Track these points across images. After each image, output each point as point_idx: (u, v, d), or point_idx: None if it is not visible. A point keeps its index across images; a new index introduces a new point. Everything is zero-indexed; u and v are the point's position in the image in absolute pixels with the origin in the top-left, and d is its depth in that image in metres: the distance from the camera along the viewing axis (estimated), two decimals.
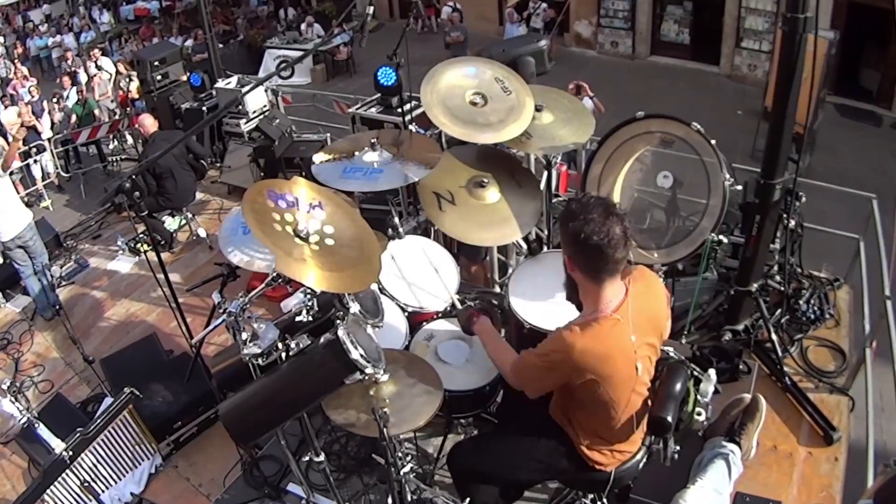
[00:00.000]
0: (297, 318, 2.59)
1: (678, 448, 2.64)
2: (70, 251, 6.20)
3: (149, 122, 6.14)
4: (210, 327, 2.75)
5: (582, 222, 2.14)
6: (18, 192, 10.47)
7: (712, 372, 2.73)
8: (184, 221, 6.10)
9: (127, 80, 12.23)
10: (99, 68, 12.96)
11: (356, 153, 3.46)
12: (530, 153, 4.07)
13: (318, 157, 3.46)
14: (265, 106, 7.17)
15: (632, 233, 2.20)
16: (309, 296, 2.59)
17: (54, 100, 11.46)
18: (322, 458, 2.87)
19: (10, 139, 10.26)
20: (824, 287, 4.38)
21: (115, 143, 11.04)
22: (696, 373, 2.79)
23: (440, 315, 3.49)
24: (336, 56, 15.29)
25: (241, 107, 6.91)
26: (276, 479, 3.59)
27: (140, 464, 3.77)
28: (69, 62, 15.01)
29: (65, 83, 12.25)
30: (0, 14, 19.50)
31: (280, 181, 2.66)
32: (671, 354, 2.72)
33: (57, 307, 5.28)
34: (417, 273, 3.60)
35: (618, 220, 2.15)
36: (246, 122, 6.94)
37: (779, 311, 4.12)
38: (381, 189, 3.32)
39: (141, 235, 5.77)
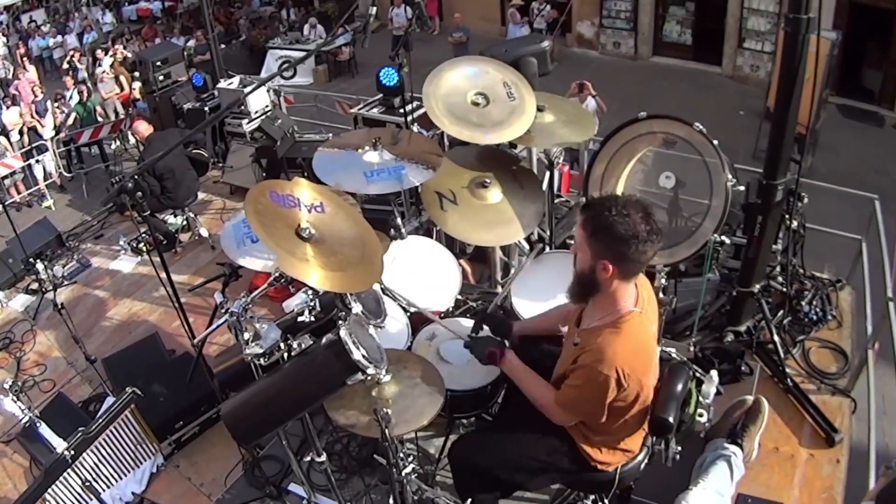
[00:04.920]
0: (300, 319, 2.60)
1: (679, 449, 2.64)
2: (72, 251, 6.21)
3: (142, 128, 6.24)
4: (212, 327, 2.76)
5: (629, 223, 2.13)
6: (20, 192, 10.57)
7: (714, 373, 2.73)
8: (186, 221, 6.10)
9: (118, 82, 12.29)
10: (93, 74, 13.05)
11: (358, 150, 3.47)
12: (532, 149, 4.06)
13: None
14: (267, 106, 7.17)
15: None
16: (311, 296, 2.59)
17: (56, 104, 11.47)
18: (324, 458, 2.88)
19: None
20: (826, 288, 4.38)
21: (118, 143, 11.05)
22: (697, 374, 2.80)
23: (443, 315, 3.49)
24: (338, 56, 15.29)
25: (243, 107, 6.91)
26: (277, 479, 3.59)
27: (141, 463, 3.77)
28: (76, 59, 15.01)
29: (68, 83, 12.28)
30: (9, 15, 19.54)
31: (282, 182, 2.67)
32: (673, 355, 2.72)
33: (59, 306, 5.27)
34: (419, 273, 3.60)
35: (651, 215, 2.17)
36: (248, 123, 6.94)
37: (781, 312, 4.12)
38: (410, 186, 3.37)
39: (143, 235, 5.77)
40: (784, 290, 4.13)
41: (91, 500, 3.36)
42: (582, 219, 2.26)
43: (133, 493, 3.72)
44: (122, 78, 12.68)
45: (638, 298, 2.31)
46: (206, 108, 7.30)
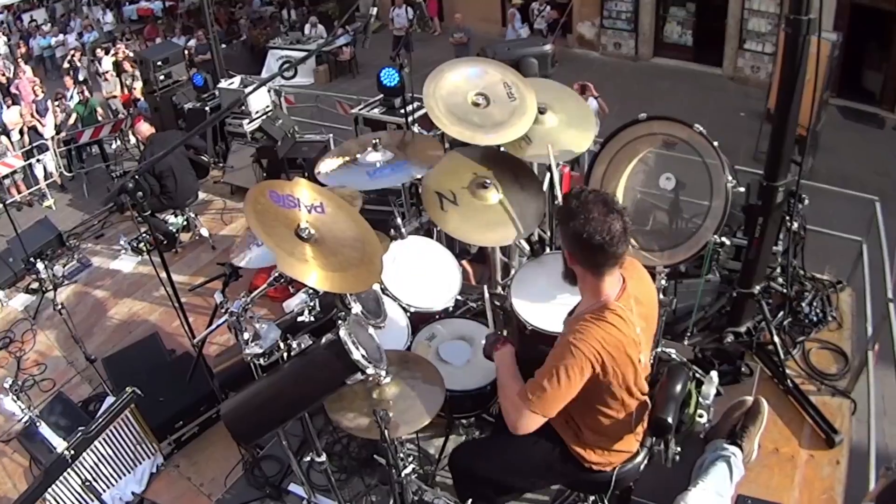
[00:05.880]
0: (299, 319, 2.60)
1: (679, 450, 2.64)
2: (73, 250, 6.21)
3: (144, 128, 6.38)
4: (212, 327, 2.76)
5: (583, 221, 2.14)
6: (21, 192, 10.57)
7: (714, 374, 2.73)
8: (186, 221, 6.10)
9: (131, 78, 12.26)
10: (96, 72, 13.05)
11: (359, 155, 3.48)
12: (533, 161, 4.06)
13: (325, 167, 3.49)
14: (268, 106, 7.18)
15: (631, 227, 2.20)
16: (311, 296, 2.59)
17: (56, 102, 11.47)
18: (324, 458, 2.88)
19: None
20: (827, 289, 4.38)
21: (118, 142, 11.06)
22: (697, 375, 2.80)
23: (442, 315, 3.49)
24: (339, 57, 15.29)
25: (243, 107, 6.92)
26: (277, 479, 3.60)
27: (141, 463, 3.77)
28: (76, 59, 15.03)
29: (67, 83, 12.27)
30: (10, 14, 19.58)
31: (282, 182, 2.67)
32: (672, 356, 2.72)
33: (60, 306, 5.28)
34: (419, 273, 3.60)
35: (618, 216, 2.15)
36: (249, 123, 6.94)
37: (781, 313, 4.12)
38: (411, 179, 3.39)
39: (143, 235, 5.78)
40: (784, 291, 4.13)
41: (91, 499, 3.36)
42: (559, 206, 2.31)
43: (133, 493, 3.72)
44: (135, 73, 12.57)
45: (622, 293, 2.30)
46: (207, 108, 7.30)
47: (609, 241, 2.13)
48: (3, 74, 14.19)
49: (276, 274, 2.58)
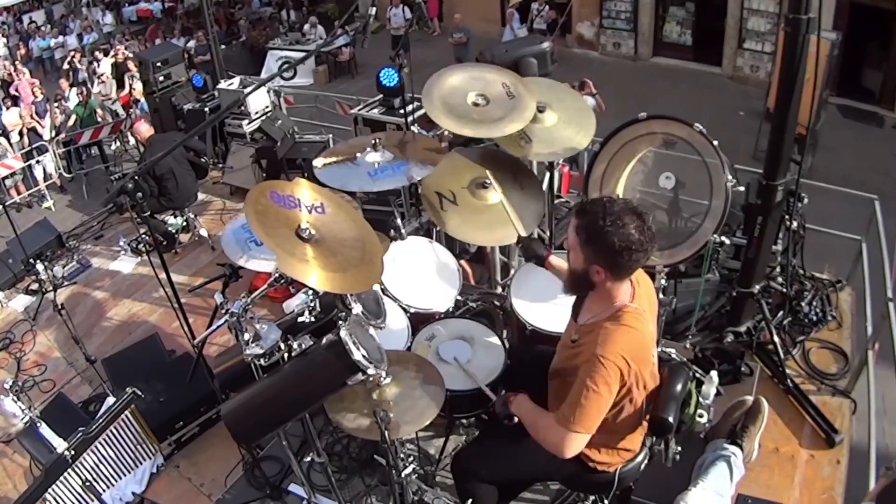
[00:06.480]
0: (300, 319, 2.60)
1: (679, 449, 2.64)
2: (72, 251, 6.21)
3: (144, 129, 6.32)
4: (212, 328, 2.75)
5: (624, 235, 2.11)
6: (20, 193, 10.57)
7: (714, 374, 2.73)
8: (185, 222, 6.10)
9: (132, 78, 12.25)
10: (94, 72, 13.03)
11: (358, 154, 3.47)
12: (533, 159, 4.06)
13: (320, 161, 3.47)
14: (267, 107, 7.18)
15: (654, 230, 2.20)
16: (311, 296, 2.59)
17: (55, 103, 11.46)
18: (324, 458, 2.88)
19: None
20: (826, 289, 4.38)
21: (118, 143, 11.06)
22: (697, 374, 2.80)
23: (442, 315, 3.49)
24: (338, 57, 15.30)
25: (243, 108, 6.92)
26: (277, 479, 3.59)
27: (142, 463, 3.77)
28: (76, 60, 15.04)
29: (63, 85, 12.26)
30: (9, 15, 19.58)
31: (282, 182, 2.67)
32: (673, 356, 2.72)
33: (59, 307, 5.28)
34: (419, 274, 3.60)
35: (643, 220, 2.15)
36: (248, 123, 6.94)
37: (781, 312, 4.12)
38: (415, 180, 3.36)
39: (143, 236, 5.78)
40: (784, 290, 4.13)
41: (91, 500, 3.36)
42: (575, 224, 2.25)
43: (133, 494, 3.72)
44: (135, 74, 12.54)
45: (634, 295, 2.31)
46: (207, 109, 7.30)
47: (646, 250, 2.15)
48: (9, 73, 14.20)
49: (277, 274, 2.58)
